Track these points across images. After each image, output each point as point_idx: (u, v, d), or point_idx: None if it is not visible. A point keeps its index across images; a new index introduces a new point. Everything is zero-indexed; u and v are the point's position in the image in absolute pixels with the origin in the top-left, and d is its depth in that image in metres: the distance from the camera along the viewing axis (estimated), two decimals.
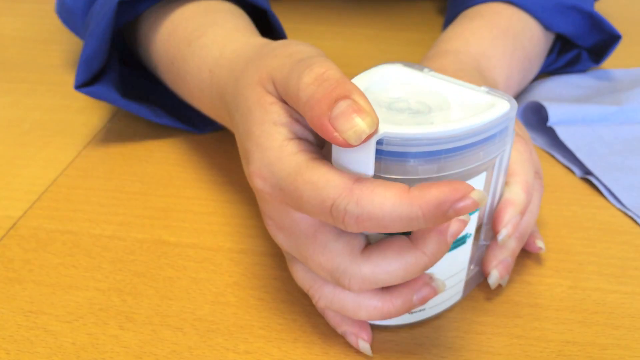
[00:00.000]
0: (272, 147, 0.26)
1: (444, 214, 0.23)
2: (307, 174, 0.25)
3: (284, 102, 0.28)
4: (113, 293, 0.34)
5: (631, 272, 0.36)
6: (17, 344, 0.31)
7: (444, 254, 0.26)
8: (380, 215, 0.24)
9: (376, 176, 0.25)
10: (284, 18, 0.71)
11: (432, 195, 0.23)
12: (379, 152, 0.25)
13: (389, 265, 0.26)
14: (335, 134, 0.23)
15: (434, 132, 0.24)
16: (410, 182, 0.25)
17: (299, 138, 0.27)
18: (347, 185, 0.24)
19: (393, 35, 0.67)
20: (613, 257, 0.37)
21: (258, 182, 0.27)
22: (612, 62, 0.60)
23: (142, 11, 0.44)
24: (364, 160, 0.25)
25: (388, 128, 0.24)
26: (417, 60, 0.61)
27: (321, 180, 0.25)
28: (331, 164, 0.26)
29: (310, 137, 0.28)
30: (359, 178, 0.25)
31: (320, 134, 0.24)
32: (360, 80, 0.29)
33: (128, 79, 0.51)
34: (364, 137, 0.23)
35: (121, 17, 0.43)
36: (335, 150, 0.26)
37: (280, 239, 0.29)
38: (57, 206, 0.41)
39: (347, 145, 0.23)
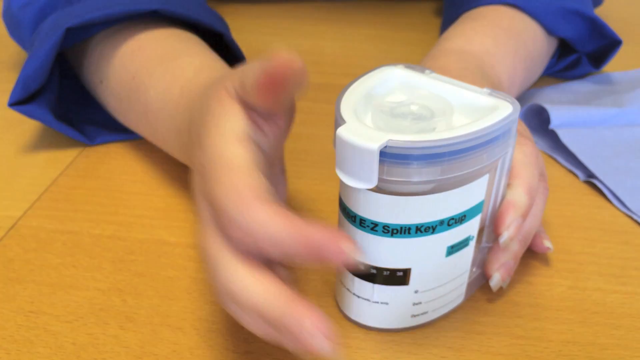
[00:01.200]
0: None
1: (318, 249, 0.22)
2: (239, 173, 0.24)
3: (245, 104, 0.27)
4: (113, 293, 0.34)
5: (631, 272, 0.36)
6: (17, 344, 0.31)
7: None
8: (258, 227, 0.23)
9: (380, 179, 0.25)
10: (284, 18, 0.71)
11: (314, 228, 0.22)
12: (382, 155, 0.25)
13: (254, 291, 0.24)
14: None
15: (437, 141, 0.24)
16: (413, 185, 0.25)
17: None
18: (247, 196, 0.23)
19: (393, 35, 0.67)
20: (613, 257, 0.37)
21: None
22: (611, 62, 0.60)
23: (92, 35, 0.43)
24: (368, 169, 0.25)
25: (391, 137, 0.24)
26: (417, 60, 0.61)
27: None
28: (253, 167, 0.25)
29: (261, 137, 0.27)
30: (265, 198, 0.23)
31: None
32: (362, 83, 0.29)
33: (68, 96, 0.50)
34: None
35: (69, 39, 0.42)
36: (338, 157, 0.26)
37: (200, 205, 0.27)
38: (57, 206, 0.41)
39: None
